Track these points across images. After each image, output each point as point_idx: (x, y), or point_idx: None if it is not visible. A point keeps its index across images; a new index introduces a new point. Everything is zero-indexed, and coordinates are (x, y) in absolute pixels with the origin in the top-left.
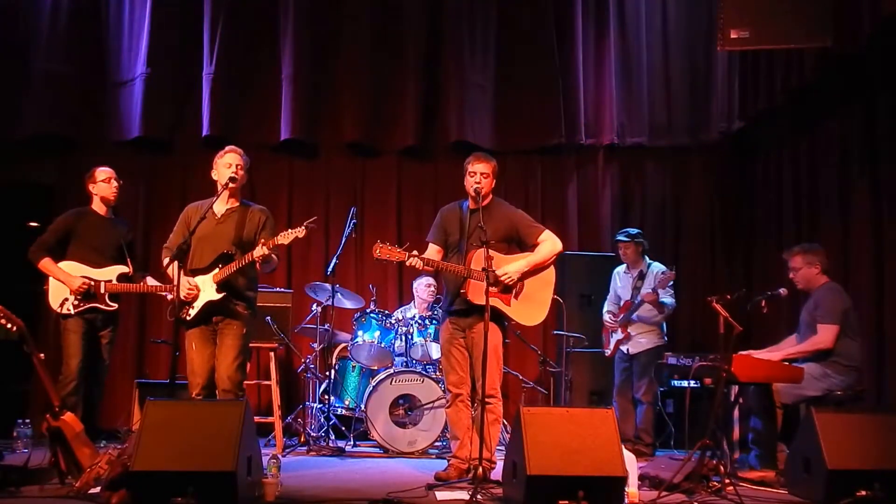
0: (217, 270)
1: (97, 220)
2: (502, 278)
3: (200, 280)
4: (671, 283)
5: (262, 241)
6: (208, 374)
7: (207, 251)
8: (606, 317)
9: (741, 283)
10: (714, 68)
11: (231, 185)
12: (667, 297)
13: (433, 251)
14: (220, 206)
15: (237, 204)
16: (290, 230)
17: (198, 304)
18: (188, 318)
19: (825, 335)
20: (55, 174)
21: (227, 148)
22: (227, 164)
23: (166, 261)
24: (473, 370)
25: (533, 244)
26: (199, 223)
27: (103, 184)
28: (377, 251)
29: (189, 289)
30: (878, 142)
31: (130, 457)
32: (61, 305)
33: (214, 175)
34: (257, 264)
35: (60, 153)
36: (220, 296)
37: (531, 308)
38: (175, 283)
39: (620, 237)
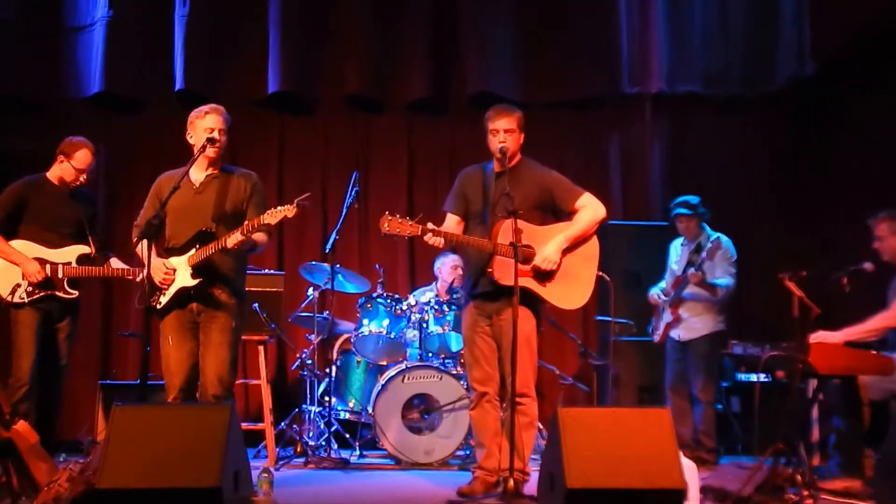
0: (193, 252)
1: (53, 192)
2: (543, 266)
3: (175, 262)
4: (732, 258)
5: (246, 221)
6: (187, 373)
7: (184, 227)
8: (654, 293)
9: (817, 256)
10: (780, 3)
11: (210, 150)
12: (722, 277)
13: (452, 223)
14: (198, 173)
15: (218, 171)
16: (278, 207)
17: (170, 291)
18: (158, 306)
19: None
20: None
21: (206, 107)
22: (206, 129)
23: (136, 240)
24: (502, 364)
25: (571, 211)
26: (172, 193)
27: (74, 170)
28: (385, 225)
29: (165, 273)
30: None
31: (95, 472)
32: (12, 293)
33: (190, 138)
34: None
35: (6, 113)
36: (195, 282)
37: (571, 288)
38: (145, 264)
39: (681, 210)
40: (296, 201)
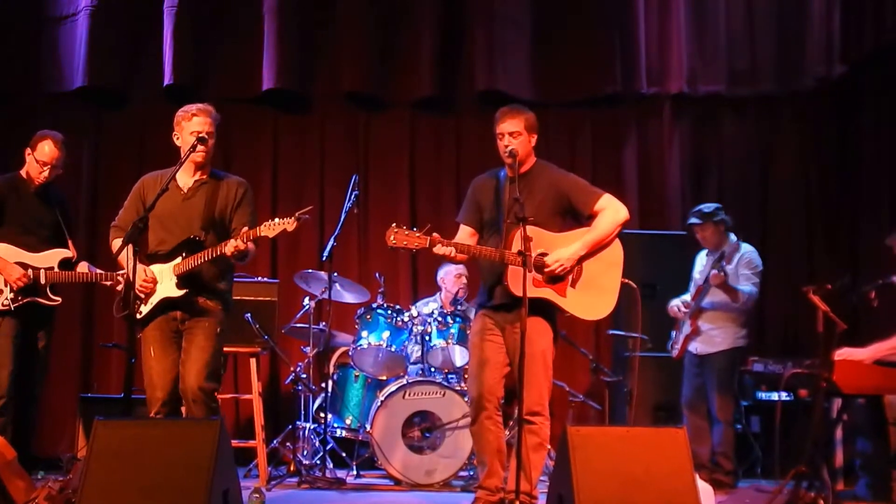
0: (179, 260)
1: (28, 191)
2: (553, 267)
3: (158, 270)
4: (756, 267)
5: (242, 230)
6: (171, 387)
7: (170, 234)
8: (675, 304)
9: (845, 268)
10: (809, 1)
11: (197, 154)
12: (745, 284)
13: (465, 234)
14: (185, 177)
15: (207, 176)
16: (276, 220)
17: (152, 300)
18: (139, 315)
19: None
20: None
21: (193, 108)
22: (193, 132)
23: (116, 243)
24: (512, 378)
25: (590, 214)
26: (159, 196)
27: (36, 164)
28: (392, 238)
29: (146, 280)
30: None
31: (75, 491)
32: None
33: (177, 139)
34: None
35: None
36: (180, 292)
37: (594, 297)
38: (128, 271)
39: (693, 219)
40: (296, 215)
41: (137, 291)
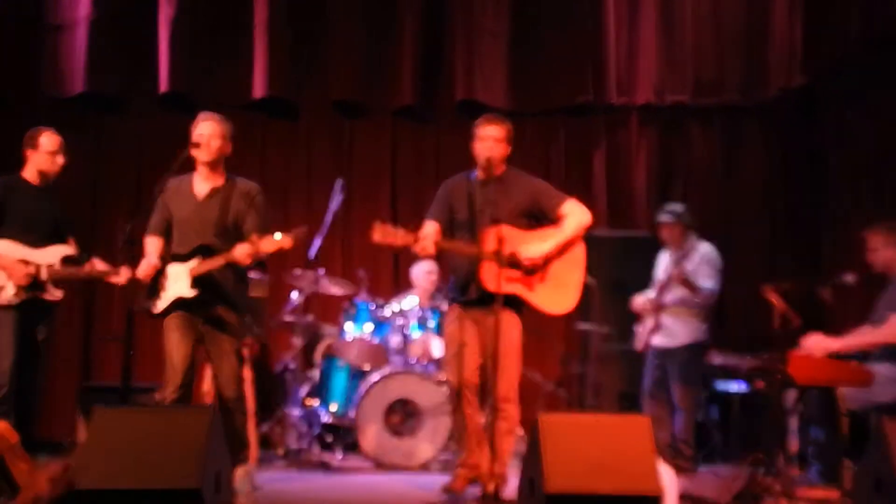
0: (194, 263)
1: (30, 191)
2: (525, 262)
3: (175, 270)
4: (716, 265)
5: (251, 237)
6: (187, 372)
7: (186, 237)
8: (638, 300)
9: (807, 269)
10: (772, 11)
11: (202, 155)
12: (706, 281)
13: (431, 230)
14: (201, 183)
15: (222, 181)
16: (276, 236)
17: (167, 297)
18: (155, 310)
19: (894, 328)
20: None
21: (200, 115)
22: (195, 136)
23: (147, 241)
24: (487, 369)
25: (556, 217)
26: (175, 200)
27: (46, 155)
28: (377, 233)
29: (154, 266)
30: None
31: (76, 473)
32: None
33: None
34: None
35: None
36: (192, 292)
37: (559, 293)
38: (149, 262)
39: (665, 217)
40: (293, 231)
41: (141, 277)
